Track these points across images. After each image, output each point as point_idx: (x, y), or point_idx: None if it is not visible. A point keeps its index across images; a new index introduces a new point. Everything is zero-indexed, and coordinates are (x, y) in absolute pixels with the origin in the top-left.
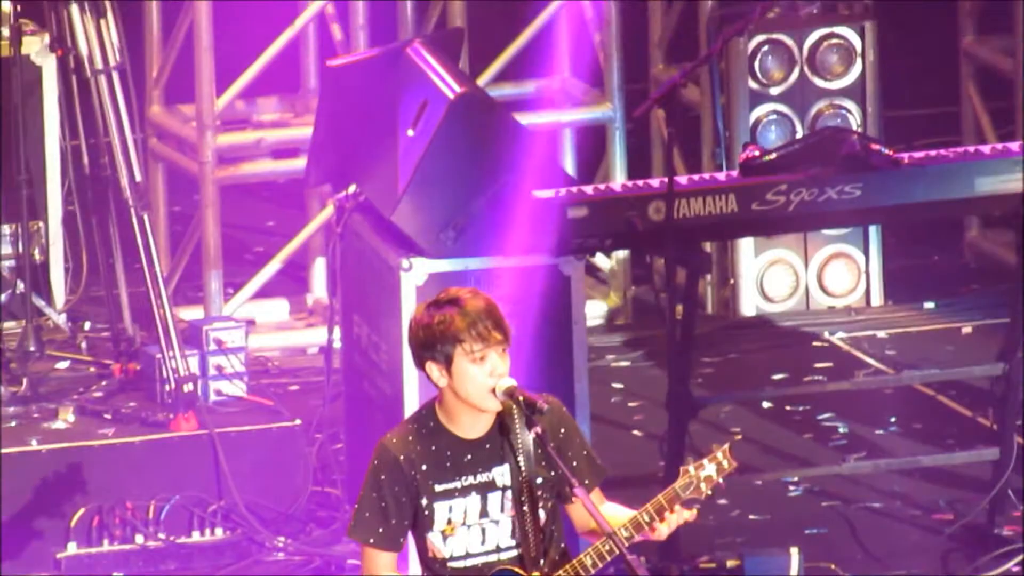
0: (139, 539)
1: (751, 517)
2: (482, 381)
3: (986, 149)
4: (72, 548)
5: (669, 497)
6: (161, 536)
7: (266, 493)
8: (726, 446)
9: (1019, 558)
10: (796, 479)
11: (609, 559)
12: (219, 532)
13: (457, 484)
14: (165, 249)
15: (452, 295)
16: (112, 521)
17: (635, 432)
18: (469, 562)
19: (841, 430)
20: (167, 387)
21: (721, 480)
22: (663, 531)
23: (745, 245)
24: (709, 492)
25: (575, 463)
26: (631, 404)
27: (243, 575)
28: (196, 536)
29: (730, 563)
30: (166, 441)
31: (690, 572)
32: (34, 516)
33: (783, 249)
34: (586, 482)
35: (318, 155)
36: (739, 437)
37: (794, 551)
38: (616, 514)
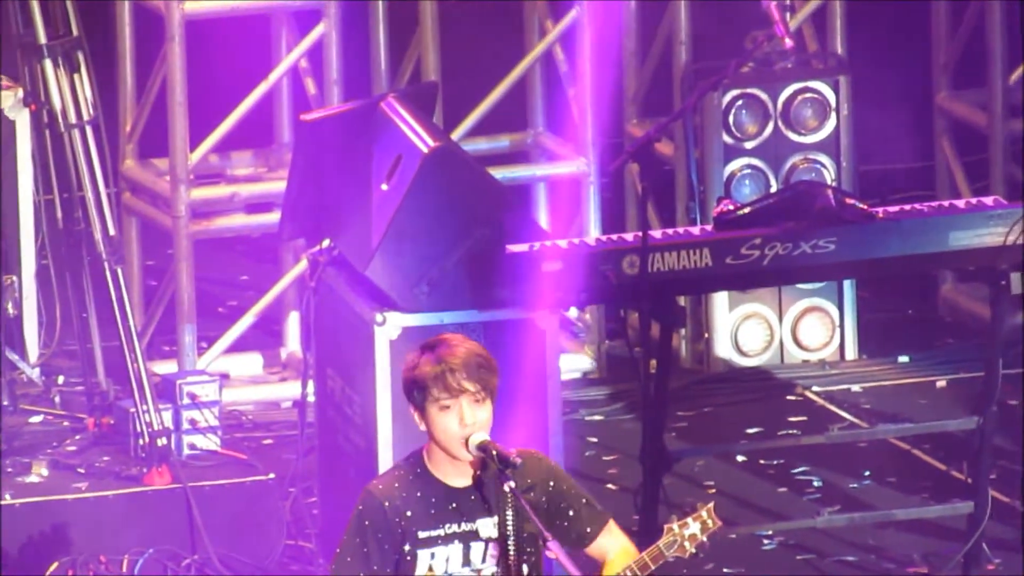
0: None
1: (725, 571)
2: (451, 431)
3: (960, 203)
4: None
5: (653, 555)
6: None
7: (240, 547)
8: (710, 505)
9: None
10: (770, 532)
11: None
12: None
13: (440, 532)
14: (139, 303)
15: (437, 341)
16: (86, 575)
17: (609, 486)
18: None
19: (815, 483)
20: (141, 441)
21: (705, 539)
22: None
23: (719, 299)
24: (693, 551)
25: (572, 512)
26: (605, 458)
27: None
28: None
29: None
30: (140, 495)
31: None
32: (7, 571)
33: (757, 303)
34: (588, 530)
35: (292, 209)
36: (713, 491)
37: None
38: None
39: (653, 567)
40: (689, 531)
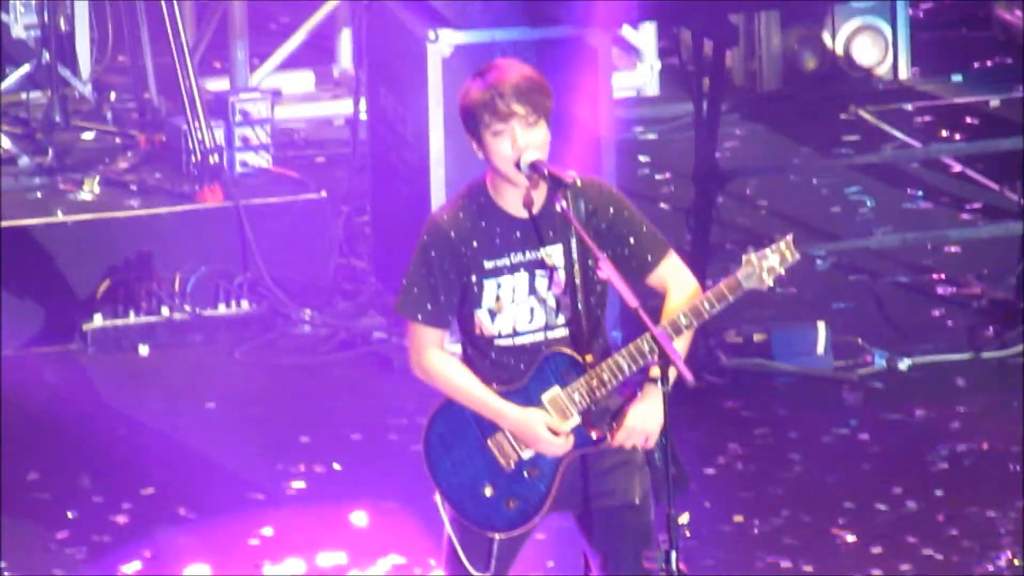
0: (165, 311)
1: (778, 291)
2: (505, 155)
3: None
4: (98, 320)
5: (731, 286)
6: (187, 308)
7: (292, 265)
8: (789, 237)
9: None
10: (823, 252)
11: (650, 357)
12: (245, 304)
13: (507, 261)
14: (191, 19)
15: (488, 67)
16: (138, 293)
17: (662, 205)
18: (517, 340)
19: (868, 203)
20: (193, 158)
21: (783, 271)
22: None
23: (772, 18)
24: (771, 283)
25: (632, 239)
26: (658, 177)
27: (268, 347)
28: (222, 308)
29: (757, 337)
30: (192, 212)
31: (717, 346)
32: (60, 288)
33: (810, 22)
34: (649, 257)
35: None
36: (765, 211)
37: (821, 325)
38: (684, 299)
39: (731, 298)
40: (768, 263)
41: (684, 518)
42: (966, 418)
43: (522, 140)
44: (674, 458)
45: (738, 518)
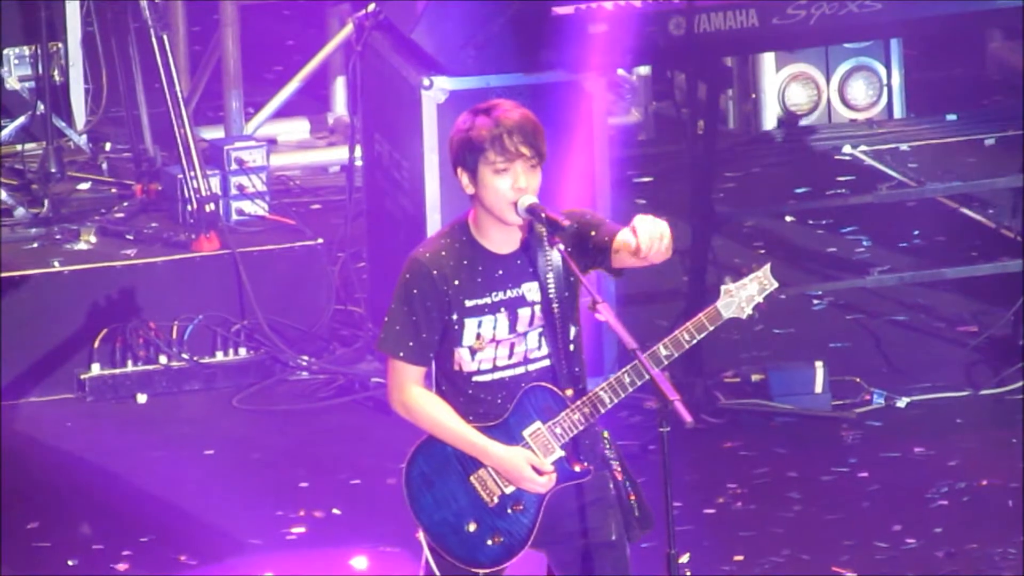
0: (162, 359)
1: (775, 331)
2: (503, 193)
3: None
4: (96, 369)
5: (711, 316)
6: (184, 356)
7: (289, 312)
8: (767, 265)
9: None
10: (820, 292)
11: (630, 390)
12: (242, 351)
13: (488, 299)
14: (185, 69)
15: (491, 104)
16: (135, 342)
17: None
18: (496, 375)
19: (865, 243)
20: (189, 207)
21: (763, 300)
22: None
23: (766, 59)
24: (751, 312)
25: (602, 226)
26: None
27: (267, 394)
28: (219, 356)
29: (755, 377)
30: (188, 261)
31: (715, 386)
32: (57, 337)
33: (804, 63)
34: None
35: None
36: (762, 251)
37: (818, 365)
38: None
39: (710, 327)
40: (747, 292)
41: (685, 558)
42: (965, 455)
43: (522, 181)
44: (640, 500)
45: (738, 557)
